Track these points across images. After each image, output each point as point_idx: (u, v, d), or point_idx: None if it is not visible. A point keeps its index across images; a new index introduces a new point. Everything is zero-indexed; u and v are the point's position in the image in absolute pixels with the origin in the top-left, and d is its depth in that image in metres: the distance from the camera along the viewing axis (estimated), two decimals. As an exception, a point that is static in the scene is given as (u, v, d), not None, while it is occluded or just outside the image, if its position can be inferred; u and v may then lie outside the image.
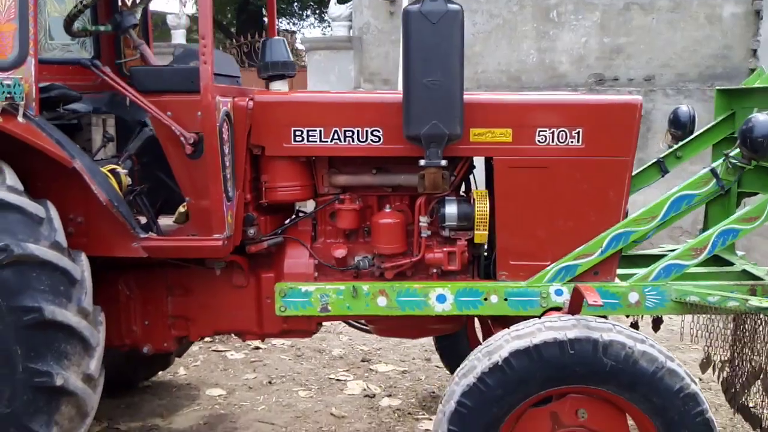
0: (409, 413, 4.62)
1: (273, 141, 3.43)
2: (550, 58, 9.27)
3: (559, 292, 3.37)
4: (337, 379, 5.23)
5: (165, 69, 3.53)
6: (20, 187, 2.92)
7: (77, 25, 3.70)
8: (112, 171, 3.37)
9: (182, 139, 3.27)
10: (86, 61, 3.43)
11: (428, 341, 5.87)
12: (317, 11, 21.40)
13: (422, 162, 3.23)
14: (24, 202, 2.86)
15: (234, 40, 15.79)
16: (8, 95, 2.93)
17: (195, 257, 3.44)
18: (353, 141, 3.41)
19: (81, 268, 3.00)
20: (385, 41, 10.81)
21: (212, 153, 3.20)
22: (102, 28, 3.84)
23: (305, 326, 3.64)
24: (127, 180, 3.46)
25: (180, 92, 3.33)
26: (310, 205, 3.81)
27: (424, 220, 3.45)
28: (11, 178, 2.93)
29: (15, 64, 3.03)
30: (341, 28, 11.47)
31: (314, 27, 22.60)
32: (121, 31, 3.84)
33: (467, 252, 3.51)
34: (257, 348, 5.82)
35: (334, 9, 11.51)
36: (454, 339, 4.64)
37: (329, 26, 12.75)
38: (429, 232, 3.47)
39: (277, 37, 3.64)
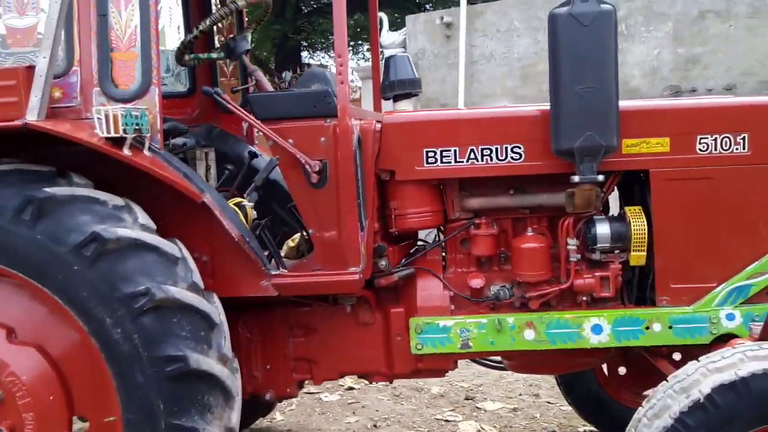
0: (535, 455, 4.27)
1: (404, 164, 3.16)
2: (621, 72, 8.94)
3: (730, 317, 3.02)
4: (446, 420, 4.89)
5: (285, 95, 3.30)
6: (153, 225, 2.68)
7: (188, 54, 3.50)
8: (239, 205, 3.12)
9: (307, 167, 3.02)
10: (208, 90, 3.21)
11: (532, 375, 5.54)
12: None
13: (576, 178, 2.94)
14: (159, 241, 2.62)
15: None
16: (136, 127, 2.70)
17: (328, 293, 3.16)
18: (491, 160, 3.12)
19: (218, 310, 2.74)
20: (441, 65, 10.63)
21: (348, 180, 2.95)
22: (215, 55, 3.63)
23: (442, 365, 3.33)
24: (252, 214, 3.22)
25: (300, 118, 3.10)
26: (424, 233, 3.54)
27: (572, 243, 3.14)
28: (142, 216, 2.69)
29: (137, 94, 2.81)
30: (394, 56, 11.33)
31: (365, 59, 22.47)
32: (234, 57, 3.63)
33: (620, 276, 3.18)
34: (351, 388, 5.51)
35: (386, 36, 11.36)
36: (580, 373, 4.28)
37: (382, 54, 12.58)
38: (578, 256, 3.16)
39: (401, 54, 3.41)
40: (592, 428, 4.54)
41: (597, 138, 2.86)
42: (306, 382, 3.64)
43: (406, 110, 3.33)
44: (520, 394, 5.36)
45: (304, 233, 3.21)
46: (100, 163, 2.78)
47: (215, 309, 2.71)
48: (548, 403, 5.17)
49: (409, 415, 4.99)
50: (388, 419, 4.94)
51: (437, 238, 3.44)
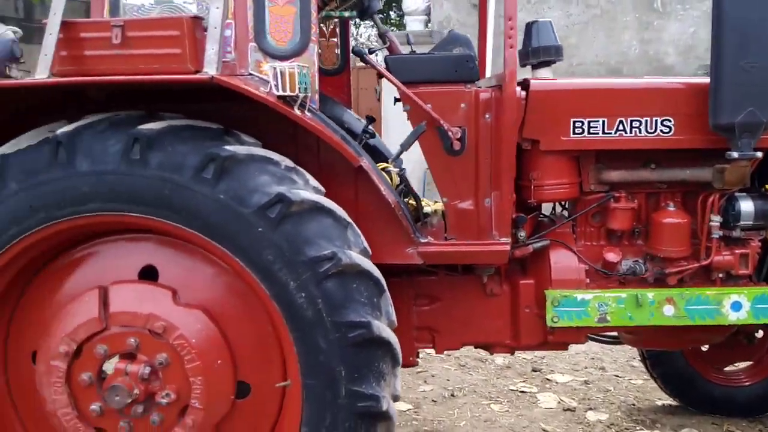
0: (626, 428, 4.29)
1: (549, 134, 3.09)
2: (655, 49, 8.96)
3: None
4: (521, 391, 4.90)
5: (427, 58, 3.21)
6: (322, 188, 2.59)
7: (322, 12, 3.38)
8: (384, 170, 3.04)
9: (450, 133, 2.96)
10: (360, 50, 3.10)
11: (594, 347, 5.59)
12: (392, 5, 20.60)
13: (735, 154, 2.90)
14: (333, 205, 2.53)
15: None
16: (304, 86, 2.59)
17: (476, 263, 3.11)
18: (639, 132, 3.07)
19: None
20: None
21: (509, 148, 2.89)
22: (347, 14, 3.50)
23: (572, 338, 3.30)
24: (396, 180, 3.14)
25: (441, 83, 3.02)
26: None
27: (716, 220, 3.12)
28: (311, 178, 2.60)
29: (296, 51, 2.69)
30: (417, 23, 11.16)
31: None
32: (366, 16, 3.51)
33: (758, 254, 3.18)
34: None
35: (409, 3, 11.18)
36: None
37: (403, 21, 12.40)
38: (720, 233, 3.14)
39: (543, 20, 3.32)
40: (670, 401, 4.59)
41: (758, 114, 2.83)
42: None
43: (546, 78, 3.25)
44: (586, 367, 5.39)
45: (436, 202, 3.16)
46: (240, 122, 2.68)
47: (381, 275, 2.64)
48: (616, 376, 5.21)
49: (481, 386, 5.00)
50: (462, 389, 4.93)
51: (560, 212, 3.42)
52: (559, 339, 3.29)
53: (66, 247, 2.68)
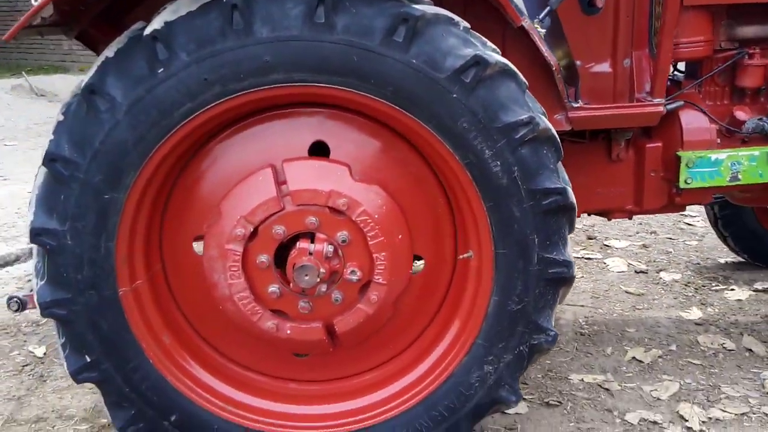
0: (702, 285, 4.46)
1: (691, -13, 2.98)
2: None
3: None
4: (588, 258, 5.01)
5: None
6: (498, 49, 2.44)
7: None
8: None
9: (594, -10, 2.82)
10: None
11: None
12: None
13: None
14: (515, 67, 2.39)
15: None
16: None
17: (629, 126, 3.05)
18: (774, -16, 2.99)
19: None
20: None
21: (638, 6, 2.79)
22: None
23: (699, 199, 3.32)
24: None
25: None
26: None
27: None
28: (485, 39, 2.44)
29: None
30: None
31: None
32: None
33: None
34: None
35: None
36: (741, 208, 4.42)
37: None
38: None
39: None
40: (733, 258, 4.77)
41: None
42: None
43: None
44: (637, 232, 5.53)
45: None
46: None
47: (557, 140, 2.56)
48: (670, 239, 5.37)
49: (545, 255, 5.08)
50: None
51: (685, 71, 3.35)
52: (685, 200, 3.30)
53: (227, 125, 2.49)
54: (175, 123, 2.28)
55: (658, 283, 4.53)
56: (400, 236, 2.50)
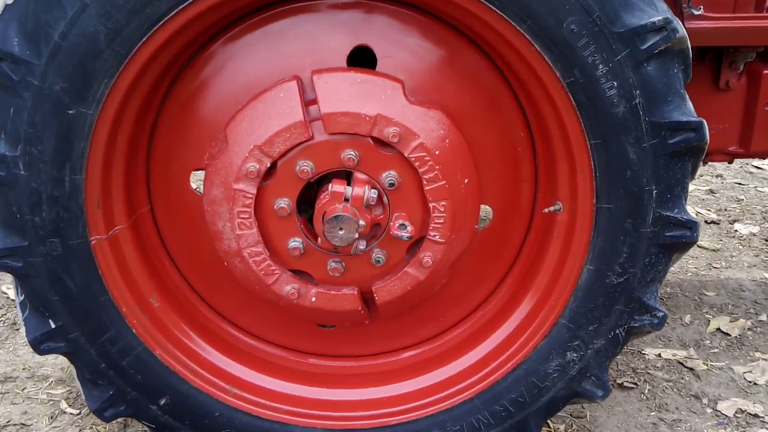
0: (784, 238, 3.84)
1: None
2: None
3: None
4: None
5: None
6: None
7: None
8: None
9: None
10: None
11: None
12: None
13: None
14: None
15: None
16: None
17: (751, 45, 2.37)
18: None
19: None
20: None
21: None
22: None
23: None
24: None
25: None
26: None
27: None
28: None
29: None
30: None
31: None
32: None
33: None
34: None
35: None
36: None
37: None
38: None
39: None
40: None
41: None
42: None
43: None
44: (701, 175, 4.85)
45: None
46: None
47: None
48: (739, 184, 4.71)
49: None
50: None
51: None
52: None
53: (235, 19, 1.83)
54: (165, 10, 1.62)
55: (733, 236, 3.90)
56: (466, 180, 1.87)
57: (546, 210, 1.95)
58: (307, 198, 1.90)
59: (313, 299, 1.95)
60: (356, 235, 1.79)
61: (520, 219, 2.05)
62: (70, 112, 1.69)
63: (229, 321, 2.15)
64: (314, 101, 1.80)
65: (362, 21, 1.84)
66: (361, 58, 1.86)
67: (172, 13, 1.62)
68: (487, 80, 1.90)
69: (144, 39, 1.64)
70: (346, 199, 1.81)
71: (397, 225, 1.84)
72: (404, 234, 1.83)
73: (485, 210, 2.03)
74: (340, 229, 1.78)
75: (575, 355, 1.95)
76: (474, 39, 1.85)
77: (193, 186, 2.03)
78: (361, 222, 1.79)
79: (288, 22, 1.85)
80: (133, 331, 1.94)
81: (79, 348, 1.93)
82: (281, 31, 1.85)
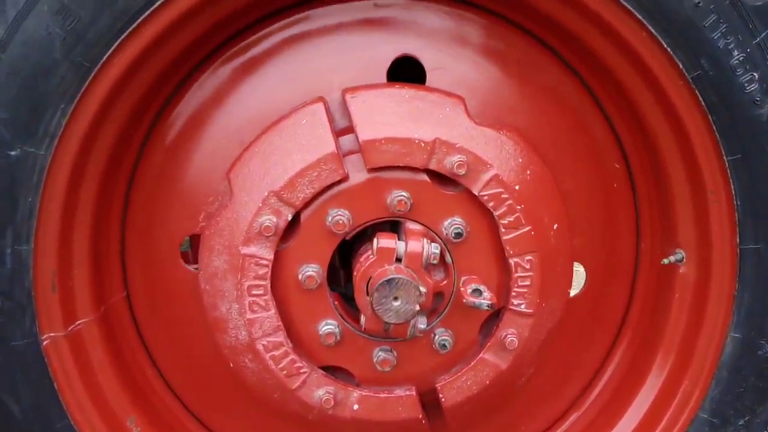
0: None
1: None
2: None
3: None
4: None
5: None
6: None
7: None
8: None
9: None
10: None
11: None
12: None
13: None
14: None
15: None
16: None
17: None
18: None
19: None
20: None
21: None
22: None
23: None
24: None
25: None
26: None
27: None
28: None
29: None
30: None
31: None
32: None
33: None
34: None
35: None
36: None
37: None
38: None
39: None
40: None
41: None
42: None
43: None
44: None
45: None
46: None
47: None
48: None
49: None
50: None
51: None
52: None
53: (242, 28, 1.40)
54: (143, 4, 1.19)
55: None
56: (555, 226, 1.39)
57: (665, 261, 1.45)
58: (344, 262, 1.41)
59: (356, 407, 1.40)
60: (417, 307, 1.28)
61: (620, 278, 1.55)
62: (12, 153, 1.22)
63: (233, 450, 1.59)
64: (348, 130, 1.34)
65: (405, 24, 1.42)
66: (406, 72, 1.43)
67: (153, 7, 1.19)
68: (571, 96, 1.47)
69: (115, 45, 1.20)
70: (398, 260, 1.31)
71: (470, 290, 1.34)
72: (483, 302, 1.31)
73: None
74: (395, 298, 1.27)
75: (724, 462, 1.41)
76: (550, 42, 1.43)
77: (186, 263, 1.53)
78: (422, 288, 1.29)
79: (306, 29, 1.42)
80: (103, 470, 1.38)
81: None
82: (302, 41, 1.42)
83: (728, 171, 1.31)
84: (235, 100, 1.43)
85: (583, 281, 1.55)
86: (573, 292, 1.55)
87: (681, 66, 1.27)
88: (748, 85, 1.27)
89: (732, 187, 1.32)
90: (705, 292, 1.41)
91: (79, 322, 1.37)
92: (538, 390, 1.56)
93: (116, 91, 1.26)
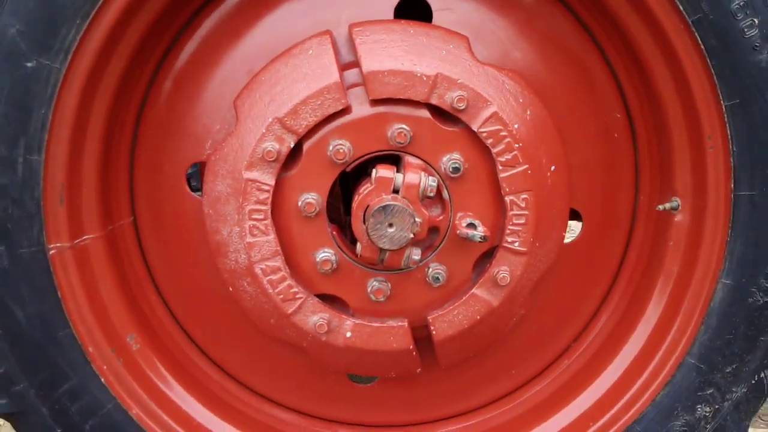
0: None
1: None
2: None
3: None
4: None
5: None
6: None
7: None
8: None
9: None
10: None
11: None
12: None
13: None
14: None
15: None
16: None
17: None
18: None
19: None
20: None
21: None
22: None
23: None
24: None
25: None
26: None
27: None
28: None
29: None
30: None
31: None
32: None
33: None
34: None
35: None
36: None
37: None
38: None
39: None
40: None
41: None
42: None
43: None
44: None
45: None
46: None
47: None
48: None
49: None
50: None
51: None
52: None
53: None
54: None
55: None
56: (552, 168, 1.41)
57: (660, 207, 1.47)
58: (343, 191, 1.44)
59: (348, 334, 1.44)
60: (411, 235, 1.31)
61: (617, 226, 1.57)
62: (29, 65, 1.27)
63: (232, 377, 1.63)
64: (353, 64, 1.38)
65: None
66: (412, 9, 1.46)
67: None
68: (573, 43, 1.49)
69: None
70: (396, 191, 1.35)
71: (464, 223, 1.37)
72: (476, 234, 1.34)
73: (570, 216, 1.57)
74: (390, 225, 1.31)
75: (708, 409, 1.42)
76: None
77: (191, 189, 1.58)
78: (417, 219, 1.32)
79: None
80: (102, 380, 1.43)
81: (26, 406, 1.40)
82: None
83: (725, 116, 1.32)
84: (246, 30, 1.47)
85: (580, 229, 1.57)
86: (569, 239, 1.58)
87: (682, 9, 1.28)
88: (747, 30, 1.28)
89: (728, 132, 1.33)
90: (698, 238, 1.42)
91: (85, 237, 1.42)
92: (531, 334, 1.59)
93: (131, 12, 1.30)
